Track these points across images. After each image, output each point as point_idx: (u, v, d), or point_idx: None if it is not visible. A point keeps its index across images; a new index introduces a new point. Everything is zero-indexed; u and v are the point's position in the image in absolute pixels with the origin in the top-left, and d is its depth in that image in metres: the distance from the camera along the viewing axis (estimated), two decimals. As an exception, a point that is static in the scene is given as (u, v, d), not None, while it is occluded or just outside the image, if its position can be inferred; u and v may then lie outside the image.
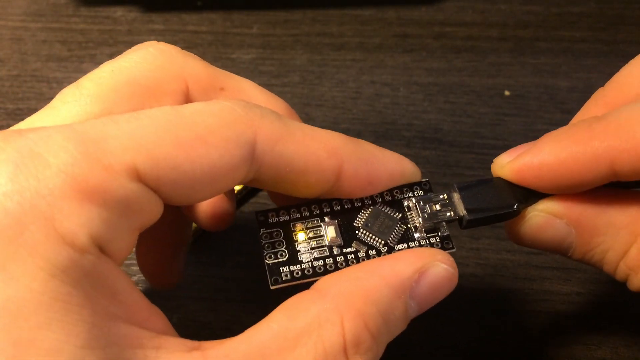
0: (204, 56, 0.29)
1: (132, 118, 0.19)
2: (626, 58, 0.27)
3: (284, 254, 0.24)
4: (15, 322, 0.16)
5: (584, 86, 0.45)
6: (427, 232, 0.25)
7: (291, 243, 0.24)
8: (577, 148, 0.23)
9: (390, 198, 0.25)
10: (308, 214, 0.24)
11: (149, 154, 0.19)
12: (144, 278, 0.32)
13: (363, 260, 0.24)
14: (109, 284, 0.18)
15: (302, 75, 0.47)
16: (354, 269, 0.22)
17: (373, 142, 0.25)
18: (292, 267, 0.23)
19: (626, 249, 0.24)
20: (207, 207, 0.29)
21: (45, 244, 0.17)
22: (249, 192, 0.39)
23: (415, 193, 0.25)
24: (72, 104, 0.23)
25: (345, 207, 0.25)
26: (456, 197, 0.25)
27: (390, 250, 0.24)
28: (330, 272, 0.23)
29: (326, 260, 0.24)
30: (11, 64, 0.48)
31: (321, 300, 0.21)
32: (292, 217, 0.24)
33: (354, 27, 0.50)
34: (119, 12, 0.51)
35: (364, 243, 0.24)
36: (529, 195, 0.25)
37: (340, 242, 0.24)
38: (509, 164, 0.25)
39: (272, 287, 0.23)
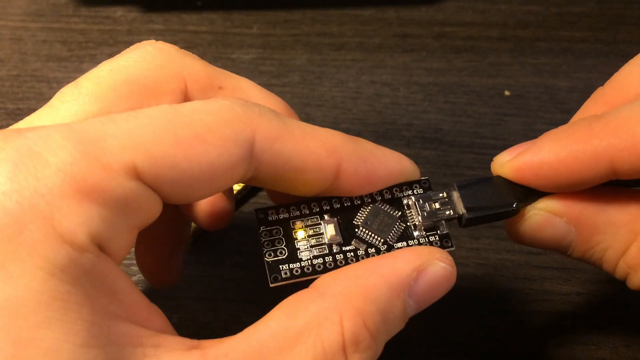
0: (204, 56, 0.29)
1: (131, 117, 0.19)
2: (626, 58, 0.27)
3: (283, 251, 0.24)
4: (14, 321, 0.17)
5: (584, 86, 0.45)
6: (426, 230, 0.25)
7: (291, 241, 0.24)
8: (577, 146, 0.23)
9: (389, 196, 0.25)
10: (308, 212, 0.24)
11: (147, 153, 0.19)
12: (143, 278, 0.32)
13: (362, 258, 0.24)
14: (108, 282, 0.18)
15: (302, 75, 0.47)
16: (352, 268, 0.22)
17: (373, 142, 0.25)
18: (291, 265, 0.23)
19: (626, 247, 0.24)
20: (206, 206, 0.29)
21: (45, 243, 0.17)
22: (249, 192, 0.39)
23: (414, 191, 0.25)
24: (71, 103, 0.23)
25: (345, 205, 0.25)
26: (455, 195, 0.25)
27: (390, 248, 0.24)
28: (329, 270, 0.23)
29: (326, 258, 0.24)
30: (11, 64, 0.48)
31: (320, 299, 0.21)
32: (291, 215, 0.24)
33: (354, 27, 0.50)
34: (119, 12, 0.51)
35: (363, 241, 0.24)
36: (528, 193, 0.25)
37: (339, 240, 0.24)
38: (509, 163, 0.25)
39: (271, 285, 0.23)
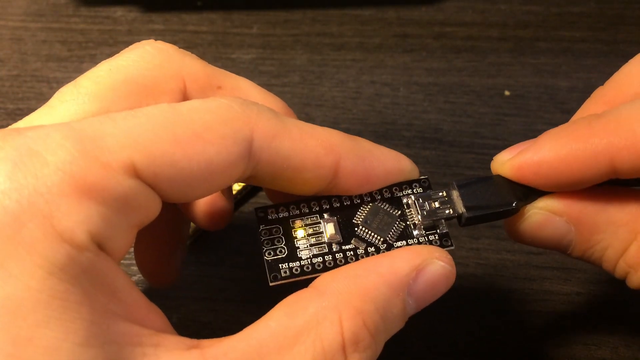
0: (204, 56, 0.29)
1: (130, 116, 0.19)
2: (626, 58, 0.27)
3: (283, 250, 0.24)
4: (13, 320, 0.17)
5: (584, 86, 0.45)
6: (426, 229, 0.25)
7: (290, 240, 0.24)
8: (577, 145, 0.23)
9: (389, 195, 0.25)
10: (307, 211, 0.24)
11: (146, 151, 0.19)
12: (143, 278, 0.32)
13: (362, 257, 0.24)
14: (107, 281, 0.18)
15: (302, 75, 0.47)
16: (352, 267, 0.22)
17: (373, 142, 0.25)
18: (291, 264, 0.23)
19: (625, 246, 0.24)
20: (205, 205, 0.29)
21: (44, 242, 0.17)
22: (249, 192, 0.39)
23: (414, 190, 0.25)
24: (70, 102, 0.24)
25: (345, 204, 0.25)
26: (455, 194, 0.25)
27: (389, 247, 0.24)
28: (329, 269, 0.23)
29: (325, 257, 0.24)
30: (11, 64, 0.48)
31: (320, 299, 0.21)
32: (291, 214, 0.24)
33: (354, 27, 0.50)
34: (119, 12, 0.51)
35: (363, 240, 0.24)
36: (528, 193, 0.25)
37: (339, 239, 0.24)
38: (509, 162, 0.25)
39: (271, 284, 0.23)
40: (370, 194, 0.25)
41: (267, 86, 0.28)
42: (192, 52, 0.27)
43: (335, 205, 0.25)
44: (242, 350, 0.19)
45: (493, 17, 0.51)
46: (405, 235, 0.24)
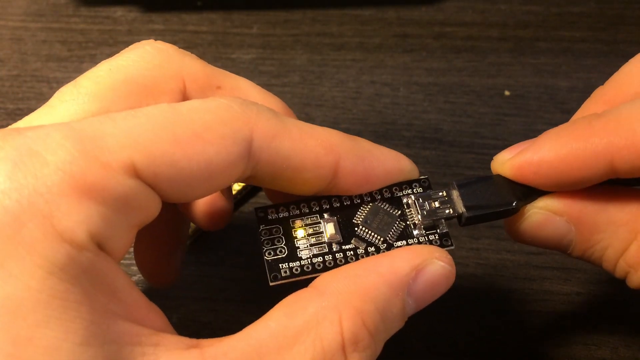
0: (204, 56, 0.29)
1: (130, 116, 0.19)
2: (626, 58, 0.27)
3: (283, 250, 0.24)
4: (13, 320, 0.17)
5: (584, 86, 0.45)
6: (426, 229, 0.25)
7: (290, 240, 0.24)
8: (577, 145, 0.23)
9: (389, 195, 0.25)
10: (307, 211, 0.24)
11: (146, 151, 0.19)
12: (143, 278, 0.32)
13: (362, 257, 0.24)
14: (107, 281, 0.18)
15: (302, 75, 0.47)
16: (351, 267, 0.22)
17: (373, 142, 0.25)
18: (291, 264, 0.23)
19: (625, 246, 0.24)
20: (204, 205, 0.29)
21: (44, 242, 0.17)
22: (249, 192, 0.39)
23: (414, 190, 0.25)
24: (70, 102, 0.24)
25: (345, 204, 0.25)
26: (455, 194, 0.25)
27: (389, 247, 0.24)
28: (329, 268, 0.23)
29: (325, 257, 0.24)
30: (11, 64, 0.48)
31: (319, 299, 0.21)
32: (291, 214, 0.24)
33: (354, 27, 0.50)
34: (119, 12, 0.51)
35: (363, 240, 0.24)
36: (528, 192, 0.25)
37: (339, 239, 0.24)
38: (509, 161, 0.25)
39: (271, 284, 0.23)
40: (370, 194, 0.25)
41: (267, 86, 0.28)
42: (192, 52, 0.27)
43: (335, 205, 0.25)
44: (241, 350, 0.19)
45: (493, 17, 0.51)
46: (405, 235, 0.24)
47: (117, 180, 0.18)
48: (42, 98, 0.45)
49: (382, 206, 0.25)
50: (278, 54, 0.48)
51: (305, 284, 0.22)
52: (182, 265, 0.32)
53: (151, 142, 0.19)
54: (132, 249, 0.31)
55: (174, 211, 0.29)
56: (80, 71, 0.25)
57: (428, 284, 0.22)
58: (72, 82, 0.24)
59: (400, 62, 0.47)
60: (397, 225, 0.25)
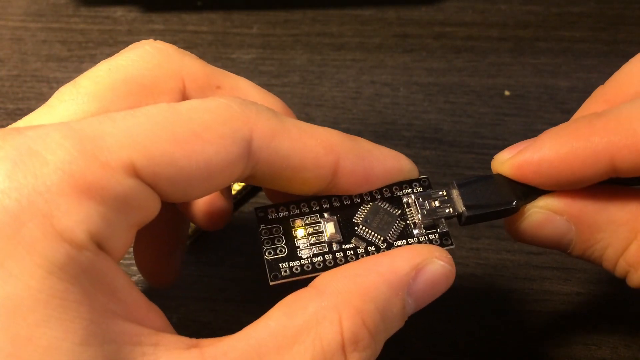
0: (204, 56, 0.29)
1: (129, 115, 0.19)
2: (626, 58, 0.27)
3: (283, 250, 0.24)
4: (13, 319, 0.17)
5: (584, 86, 0.45)
6: (426, 228, 0.25)
7: (290, 239, 0.24)
8: (577, 144, 0.23)
9: (389, 194, 0.25)
10: (307, 210, 0.24)
11: (145, 151, 0.19)
12: (143, 278, 0.32)
13: (362, 256, 0.24)
14: (107, 280, 0.18)
15: (302, 75, 0.47)
16: (351, 266, 0.22)
17: (373, 142, 0.25)
18: (291, 263, 0.23)
19: (626, 245, 0.24)
20: (204, 205, 0.29)
21: (43, 241, 0.17)
22: (249, 192, 0.39)
23: (414, 189, 0.25)
24: (70, 102, 0.24)
25: (345, 203, 0.25)
26: (455, 193, 0.25)
27: (390, 246, 0.24)
28: (329, 268, 0.23)
29: (325, 256, 0.24)
30: (11, 64, 0.48)
31: (319, 298, 0.21)
32: (291, 214, 0.24)
33: (354, 27, 0.50)
34: (119, 12, 0.51)
35: (363, 239, 0.24)
36: (528, 192, 0.25)
37: (339, 238, 0.24)
38: (509, 161, 0.25)
39: (271, 283, 0.23)
40: (370, 194, 0.25)
41: (267, 86, 0.28)
42: (192, 52, 0.27)
43: (335, 205, 0.25)
44: (241, 349, 0.19)
45: (493, 17, 0.50)
46: (405, 234, 0.24)
47: (116, 179, 0.18)
48: (42, 98, 0.45)
49: (382, 205, 0.25)
50: (278, 54, 0.48)
51: (305, 283, 0.22)
52: (182, 265, 0.32)
53: (151, 141, 0.19)
54: (132, 249, 0.31)
55: (173, 211, 0.29)
56: (80, 71, 0.25)
57: (428, 284, 0.22)
58: (71, 82, 0.24)
59: (400, 62, 0.47)
60: (397, 225, 0.25)
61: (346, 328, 0.20)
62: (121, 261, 0.29)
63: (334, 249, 0.24)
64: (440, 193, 0.25)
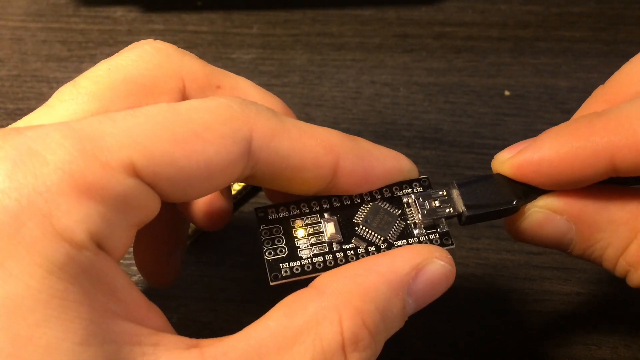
0: (204, 56, 0.29)
1: (129, 115, 0.19)
2: (626, 58, 0.27)
3: (283, 250, 0.24)
4: (13, 319, 0.17)
5: (584, 86, 0.45)
6: (426, 228, 0.25)
7: (291, 239, 0.24)
8: (578, 143, 0.23)
9: (389, 194, 0.25)
10: (307, 211, 0.24)
11: (145, 150, 0.19)
12: (143, 278, 0.32)
13: (363, 256, 0.24)
14: (107, 280, 0.18)
15: (302, 75, 0.47)
16: (351, 266, 0.22)
17: (373, 142, 0.25)
18: (291, 264, 0.23)
19: (626, 245, 0.24)
20: (203, 205, 0.29)
21: (43, 241, 0.17)
22: (249, 192, 0.39)
23: (414, 189, 0.25)
24: (69, 102, 0.23)
25: (345, 203, 0.25)
26: (455, 193, 0.25)
27: (390, 246, 0.24)
28: (330, 268, 0.23)
29: (326, 256, 0.24)
30: (11, 64, 0.48)
31: (319, 298, 0.21)
32: (291, 214, 0.24)
33: (354, 27, 0.50)
34: (119, 12, 0.51)
35: (363, 239, 0.24)
36: (528, 191, 0.25)
37: (339, 239, 0.24)
38: (509, 160, 0.25)
39: (271, 284, 0.23)
40: (370, 194, 0.25)
41: (267, 86, 0.28)
42: (192, 52, 0.27)
43: (335, 205, 0.25)
44: (241, 349, 0.19)
45: (493, 17, 0.50)
46: (405, 234, 0.24)
47: (116, 179, 0.18)
48: (42, 98, 0.45)
49: (383, 205, 0.25)
50: (278, 54, 0.48)
51: (305, 283, 0.22)
52: (182, 265, 0.32)
53: (150, 141, 0.19)
54: (132, 249, 0.31)
55: (173, 211, 0.29)
56: (80, 71, 0.25)
57: (428, 284, 0.22)
58: (71, 82, 0.24)
59: (400, 62, 0.47)
60: (398, 225, 0.25)
61: (346, 328, 0.20)
62: (121, 261, 0.29)
63: (334, 249, 0.24)
64: (441, 193, 0.25)
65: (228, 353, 0.19)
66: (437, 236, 0.25)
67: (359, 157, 0.23)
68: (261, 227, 0.24)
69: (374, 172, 0.24)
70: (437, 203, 0.25)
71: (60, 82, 0.45)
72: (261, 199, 0.39)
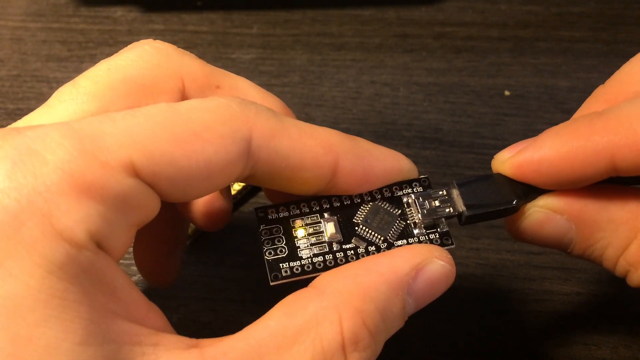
0: (204, 56, 0.29)
1: (129, 115, 0.19)
2: (626, 58, 0.27)
3: (283, 250, 0.24)
4: (13, 319, 0.17)
5: (584, 86, 0.45)
6: (426, 228, 0.25)
7: (291, 239, 0.24)
8: (578, 143, 0.23)
9: (389, 194, 0.25)
10: (307, 210, 0.24)
11: (145, 150, 0.19)
12: (143, 278, 0.32)
13: (363, 256, 0.24)
14: (107, 280, 0.18)
15: (302, 75, 0.47)
16: (351, 266, 0.22)
17: (373, 142, 0.25)
18: (291, 263, 0.23)
19: (626, 244, 0.24)
20: (203, 205, 0.29)
21: (43, 241, 0.17)
22: (249, 192, 0.39)
23: (414, 189, 0.25)
24: (69, 102, 0.23)
25: (345, 203, 0.25)
26: (455, 193, 0.25)
27: (390, 246, 0.24)
28: (330, 268, 0.23)
29: (326, 256, 0.24)
30: (11, 64, 0.48)
31: (319, 298, 0.21)
32: (291, 214, 0.24)
33: (354, 27, 0.50)
34: (119, 12, 0.51)
35: (363, 239, 0.24)
36: (528, 191, 0.25)
37: (339, 238, 0.24)
38: (509, 160, 0.25)
39: (271, 284, 0.23)
40: (370, 193, 0.25)
41: (267, 86, 0.28)
42: (192, 52, 0.27)
43: (335, 205, 0.25)
44: (241, 349, 0.19)
45: (493, 17, 0.50)
46: (405, 234, 0.24)
47: (116, 179, 0.18)
48: (42, 98, 0.45)
49: (383, 205, 0.25)
50: (278, 54, 0.48)
51: (305, 283, 0.22)
52: (182, 265, 0.32)
53: (150, 141, 0.19)
54: (132, 249, 0.31)
55: (173, 211, 0.29)
56: (80, 71, 0.25)
57: (428, 284, 0.22)
58: (70, 82, 0.24)
59: (400, 62, 0.47)
60: (398, 225, 0.25)
61: (346, 328, 0.20)
62: (121, 261, 0.30)
63: (334, 249, 0.24)
64: (441, 193, 0.25)
65: (228, 353, 0.19)
66: (437, 236, 0.25)
67: (358, 157, 0.23)
68: (261, 227, 0.24)
69: (374, 172, 0.24)
70: (437, 203, 0.25)
71: (60, 82, 0.45)
72: (261, 199, 0.39)
